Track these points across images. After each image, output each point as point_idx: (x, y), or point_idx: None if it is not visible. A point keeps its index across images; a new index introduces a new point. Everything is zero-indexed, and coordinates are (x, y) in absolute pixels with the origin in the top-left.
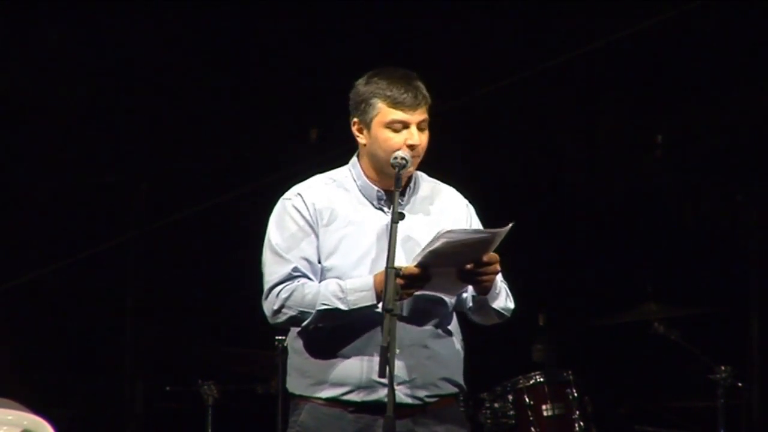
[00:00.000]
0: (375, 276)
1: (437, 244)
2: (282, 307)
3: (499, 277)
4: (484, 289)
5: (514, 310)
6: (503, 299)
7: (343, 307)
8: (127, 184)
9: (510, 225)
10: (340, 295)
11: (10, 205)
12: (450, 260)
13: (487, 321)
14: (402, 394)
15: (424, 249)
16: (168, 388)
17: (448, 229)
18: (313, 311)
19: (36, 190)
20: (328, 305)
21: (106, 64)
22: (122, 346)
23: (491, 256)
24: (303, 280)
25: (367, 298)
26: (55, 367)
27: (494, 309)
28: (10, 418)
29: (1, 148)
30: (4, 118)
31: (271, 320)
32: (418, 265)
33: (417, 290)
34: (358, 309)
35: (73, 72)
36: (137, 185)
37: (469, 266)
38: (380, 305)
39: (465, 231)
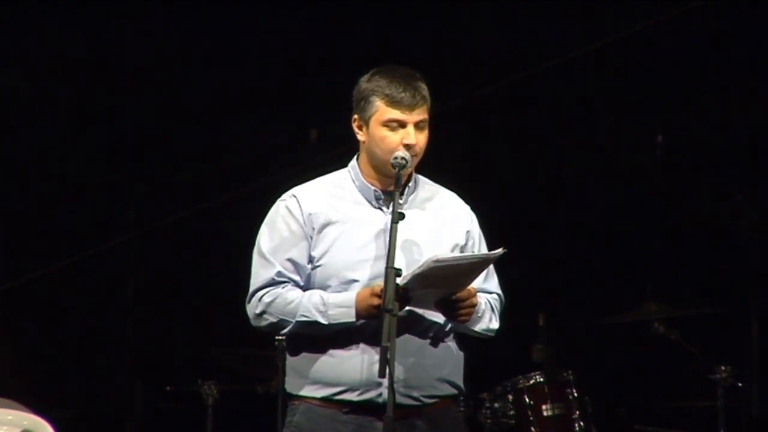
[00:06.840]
0: (358, 293)
1: (424, 269)
2: (264, 312)
3: (487, 297)
4: (462, 321)
5: (513, 310)
6: (486, 321)
7: (322, 320)
8: (127, 184)
9: (501, 250)
10: (321, 308)
11: (10, 205)
12: (438, 282)
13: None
14: (397, 394)
15: (411, 272)
16: (168, 388)
17: (438, 257)
18: (293, 321)
19: (36, 190)
20: (307, 317)
21: (105, 64)
22: (122, 346)
23: (469, 290)
24: (288, 285)
25: (347, 315)
26: (55, 367)
27: (475, 331)
28: (10, 418)
29: (1, 147)
30: (4, 118)
31: (253, 323)
32: (402, 287)
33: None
34: (337, 324)
35: (73, 71)
36: (137, 185)
37: (446, 296)
38: (360, 322)
39: (455, 257)
